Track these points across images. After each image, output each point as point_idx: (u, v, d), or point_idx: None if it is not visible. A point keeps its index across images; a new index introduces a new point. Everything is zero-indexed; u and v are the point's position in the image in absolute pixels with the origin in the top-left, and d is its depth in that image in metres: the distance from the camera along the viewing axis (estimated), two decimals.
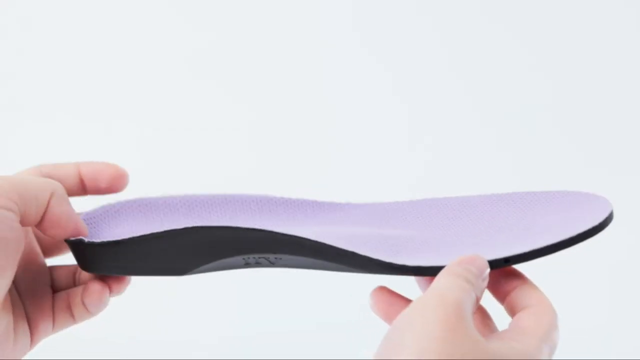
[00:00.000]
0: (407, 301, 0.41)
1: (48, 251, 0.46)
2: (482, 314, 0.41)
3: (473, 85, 0.91)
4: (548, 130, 0.90)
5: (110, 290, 0.44)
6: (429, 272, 0.38)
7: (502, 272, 0.40)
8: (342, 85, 0.91)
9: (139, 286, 0.46)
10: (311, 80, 0.91)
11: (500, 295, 0.40)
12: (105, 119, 0.90)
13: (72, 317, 0.44)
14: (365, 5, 0.92)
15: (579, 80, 0.91)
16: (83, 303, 0.43)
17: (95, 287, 0.43)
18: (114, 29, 0.91)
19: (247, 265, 0.43)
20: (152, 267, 0.43)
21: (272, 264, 0.43)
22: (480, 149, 0.90)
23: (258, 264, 0.43)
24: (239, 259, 0.42)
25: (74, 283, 0.46)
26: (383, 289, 0.42)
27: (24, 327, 0.42)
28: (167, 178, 0.87)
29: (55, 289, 0.45)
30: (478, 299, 0.37)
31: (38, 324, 0.43)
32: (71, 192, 0.44)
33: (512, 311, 0.39)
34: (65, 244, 0.44)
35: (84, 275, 0.45)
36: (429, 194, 0.47)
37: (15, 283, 0.42)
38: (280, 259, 0.42)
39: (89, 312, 0.44)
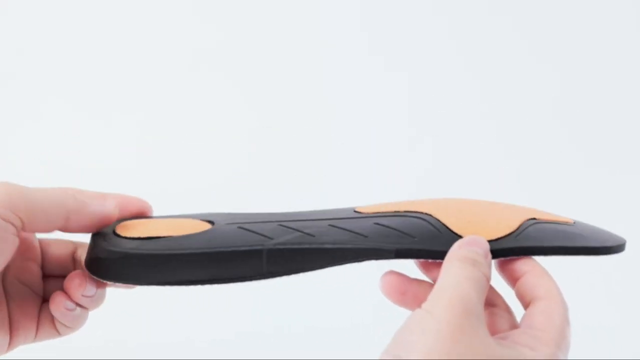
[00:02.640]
0: (417, 282, 0.41)
1: (51, 268, 0.44)
2: (492, 308, 0.41)
3: (472, 87, 0.91)
4: (549, 129, 0.90)
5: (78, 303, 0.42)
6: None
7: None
8: (343, 87, 0.91)
9: (139, 288, 0.45)
10: (311, 82, 0.91)
11: (511, 279, 0.40)
12: (105, 119, 0.90)
13: (56, 330, 0.43)
14: (366, 6, 0.92)
15: (579, 83, 0.91)
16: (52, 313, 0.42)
17: (60, 298, 0.42)
18: (114, 29, 0.91)
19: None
20: None
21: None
22: (480, 151, 0.90)
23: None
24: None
25: None
26: (392, 272, 0.42)
27: (3, 329, 0.42)
28: (167, 178, 0.87)
29: (46, 300, 0.44)
30: (488, 278, 0.37)
31: (19, 330, 0.42)
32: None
33: (521, 299, 0.39)
34: (69, 268, 0.43)
35: None
36: (429, 195, 0.47)
37: (4, 285, 0.42)
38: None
39: (67, 327, 0.43)
